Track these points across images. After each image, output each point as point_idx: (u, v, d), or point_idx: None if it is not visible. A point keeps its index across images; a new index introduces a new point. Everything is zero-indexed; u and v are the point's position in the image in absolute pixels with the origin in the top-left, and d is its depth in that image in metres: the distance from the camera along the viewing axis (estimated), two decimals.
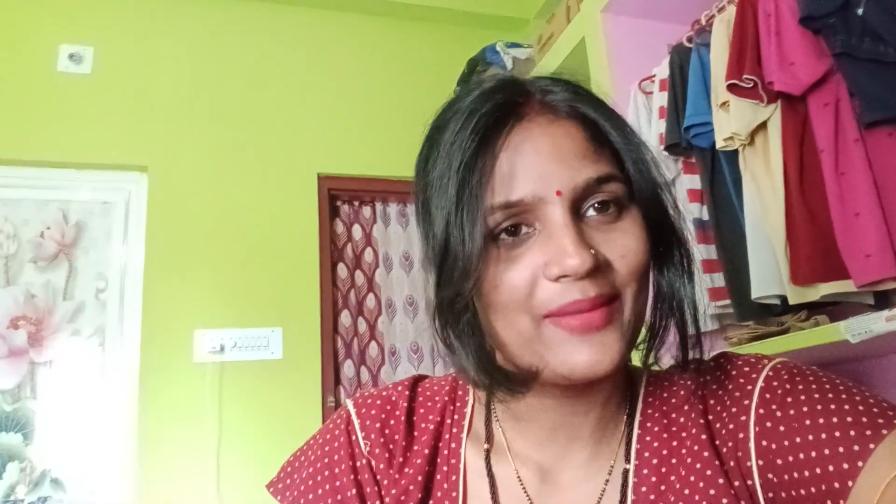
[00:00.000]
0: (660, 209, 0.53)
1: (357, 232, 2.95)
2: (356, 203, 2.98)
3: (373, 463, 0.59)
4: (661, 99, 1.70)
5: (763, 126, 1.39)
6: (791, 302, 1.31)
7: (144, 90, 2.66)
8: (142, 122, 2.62)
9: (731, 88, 1.40)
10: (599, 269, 0.49)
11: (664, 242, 0.55)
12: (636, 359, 0.58)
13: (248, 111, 2.77)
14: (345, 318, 2.79)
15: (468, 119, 0.52)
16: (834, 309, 1.38)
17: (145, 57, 2.70)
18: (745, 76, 1.37)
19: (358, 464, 0.59)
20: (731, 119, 1.42)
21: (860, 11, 1.22)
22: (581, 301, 0.48)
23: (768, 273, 1.38)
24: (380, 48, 3.06)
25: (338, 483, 0.58)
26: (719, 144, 1.46)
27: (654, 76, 1.77)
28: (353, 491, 0.58)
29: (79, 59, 2.60)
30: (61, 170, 2.53)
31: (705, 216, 1.61)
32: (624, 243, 0.50)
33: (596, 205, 0.51)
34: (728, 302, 1.52)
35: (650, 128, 1.74)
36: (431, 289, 0.53)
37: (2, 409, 2.28)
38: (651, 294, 0.55)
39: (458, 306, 0.51)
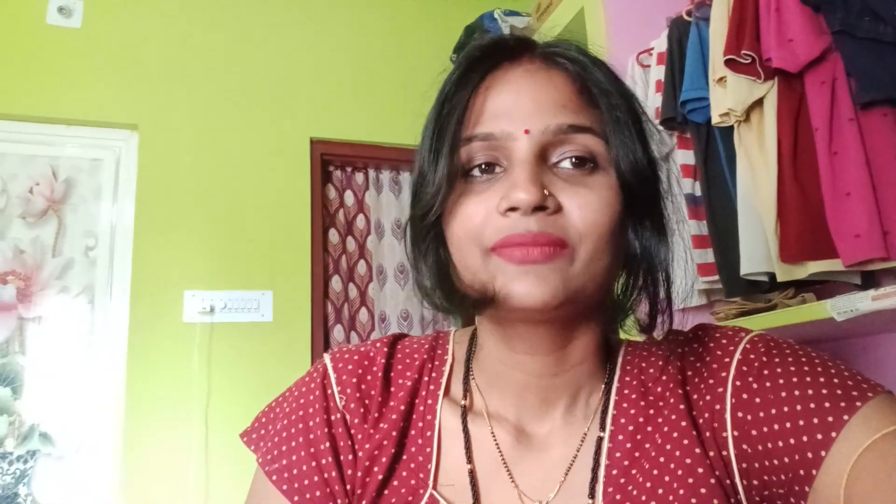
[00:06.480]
0: (638, 174, 0.52)
1: (349, 198, 2.94)
2: (349, 169, 2.96)
3: (347, 417, 0.59)
4: (659, 72, 1.69)
5: (759, 103, 1.39)
6: (779, 279, 1.33)
7: (135, 47, 2.62)
8: (132, 79, 2.58)
9: (729, 64, 1.39)
10: (550, 211, 0.50)
11: (643, 209, 0.54)
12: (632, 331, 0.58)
13: (240, 72, 2.74)
14: (335, 283, 2.80)
15: (461, 59, 0.55)
16: (821, 287, 1.40)
17: (136, 13, 2.65)
18: (743, 52, 1.36)
19: (332, 417, 0.59)
20: (727, 95, 1.41)
21: None
22: (523, 235, 0.49)
23: (758, 250, 1.39)
24: (376, 11, 3.01)
25: (312, 436, 0.58)
26: (715, 120, 1.46)
27: (651, 49, 1.75)
28: (327, 444, 0.57)
29: (68, 13, 2.55)
30: (50, 125, 2.50)
31: (698, 192, 1.61)
32: (586, 197, 0.51)
33: (573, 159, 0.52)
34: (716, 278, 1.53)
35: (646, 102, 1.73)
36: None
37: None
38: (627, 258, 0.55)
39: (424, 226, 0.55)
